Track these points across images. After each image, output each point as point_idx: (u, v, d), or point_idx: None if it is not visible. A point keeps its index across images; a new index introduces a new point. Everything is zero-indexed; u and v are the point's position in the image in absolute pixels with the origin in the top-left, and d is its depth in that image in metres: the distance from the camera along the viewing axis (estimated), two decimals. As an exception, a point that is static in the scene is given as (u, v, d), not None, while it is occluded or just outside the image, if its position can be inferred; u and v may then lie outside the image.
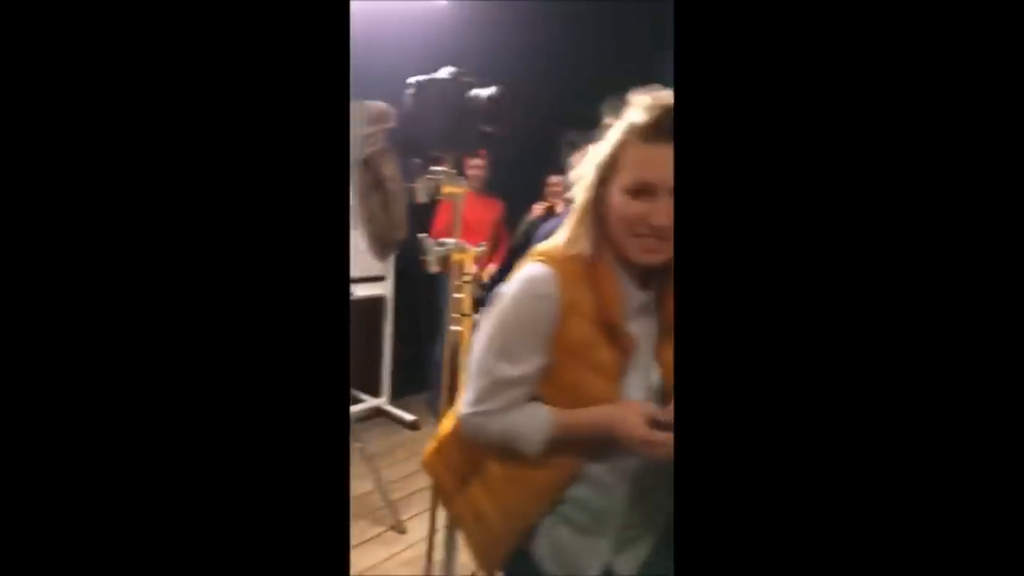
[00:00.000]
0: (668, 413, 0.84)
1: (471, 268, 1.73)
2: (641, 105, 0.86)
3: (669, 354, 0.94)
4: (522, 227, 3.48)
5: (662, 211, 0.83)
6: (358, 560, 2.31)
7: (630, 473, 0.94)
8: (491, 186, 3.61)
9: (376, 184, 2.24)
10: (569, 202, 0.94)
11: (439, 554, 1.72)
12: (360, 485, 2.74)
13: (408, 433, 3.60)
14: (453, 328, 1.74)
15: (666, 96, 0.85)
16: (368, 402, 3.68)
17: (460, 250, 1.72)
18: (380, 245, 2.35)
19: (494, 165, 3.56)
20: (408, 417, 3.68)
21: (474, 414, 0.96)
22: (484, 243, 1.87)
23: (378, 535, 2.53)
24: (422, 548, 2.08)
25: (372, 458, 2.71)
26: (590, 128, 0.90)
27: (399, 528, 2.57)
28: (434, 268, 1.69)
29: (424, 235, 1.72)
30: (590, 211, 0.90)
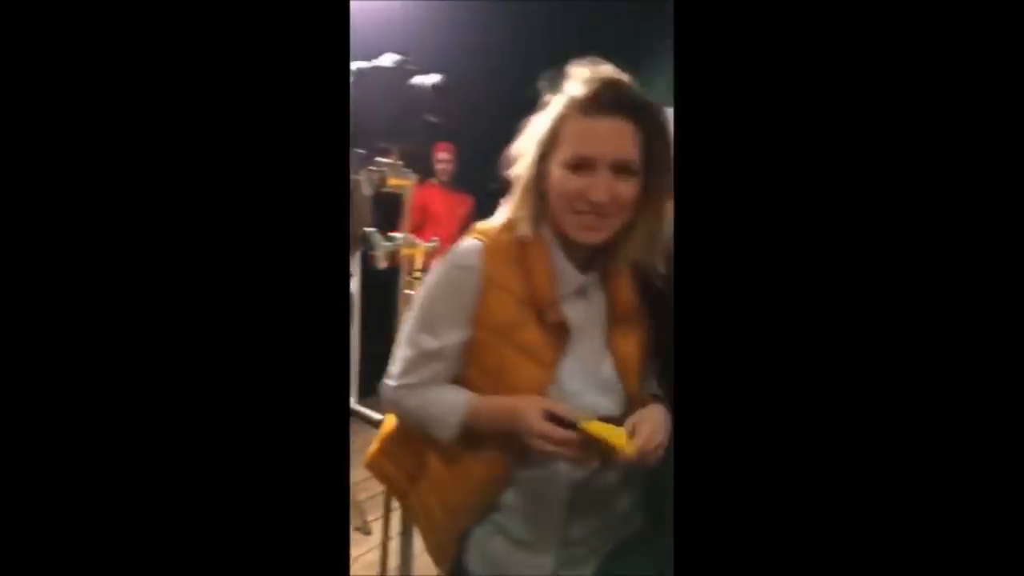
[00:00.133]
0: (568, 411, 0.79)
1: (420, 263, 1.68)
2: (580, 78, 0.82)
3: (625, 344, 0.91)
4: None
5: (601, 186, 0.79)
6: (319, 564, 2.25)
7: (568, 483, 0.88)
8: (462, 181, 3.55)
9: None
10: (510, 180, 0.90)
11: (395, 560, 1.67)
12: (324, 487, 2.67)
13: (376, 433, 3.54)
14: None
15: (606, 69, 0.82)
16: (337, 401, 3.61)
17: (410, 245, 1.67)
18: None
19: (461, 159, 3.50)
20: (376, 416, 3.60)
21: (396, 387, 0.93)
22: (437, 238, 1.82)
23: (341, 538, 2.47)
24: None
25: (335, 459, 2.64)
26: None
27: (364, 529, 2.52)
28: (382, 263, 1.64)
29: (372, 230, 1.66)
30: (530, 188, 0.86)
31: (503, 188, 0.90)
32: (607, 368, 0.90)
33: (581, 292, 0.90)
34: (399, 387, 0.93)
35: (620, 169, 0.81)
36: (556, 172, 0.83)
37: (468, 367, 0.89)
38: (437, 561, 1.01)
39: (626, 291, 0.94)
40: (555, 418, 0.79)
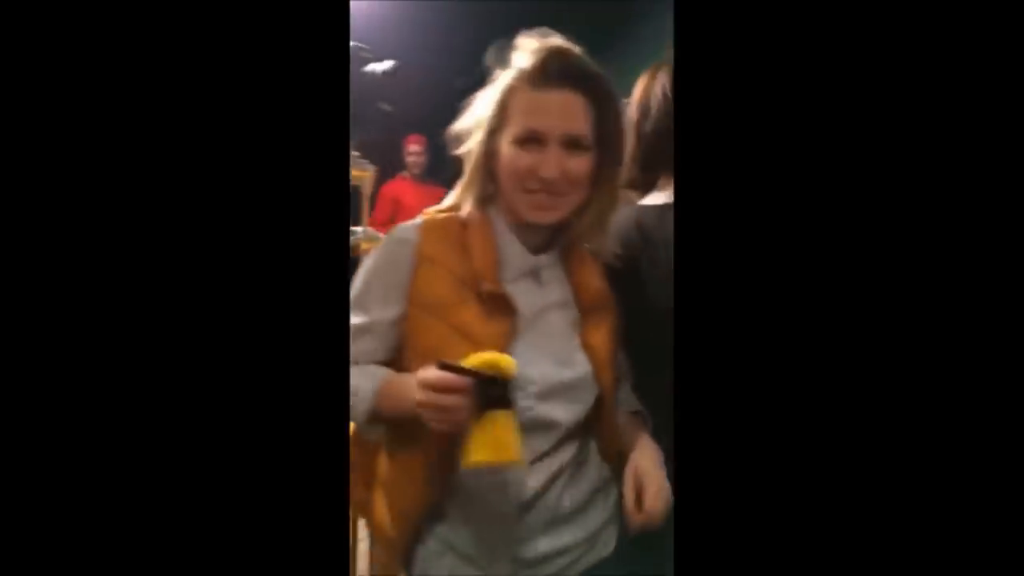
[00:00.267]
0: (435, 374, 0.67)
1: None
2: (528, 48, 0.76)
3: (597, 336, 0.83)
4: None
5: (551, 163, 0.74)
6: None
7: (518, 493, 0.78)
8: (435, 174, 3.49)
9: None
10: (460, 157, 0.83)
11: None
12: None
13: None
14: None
15: (554, 39, 0.76)
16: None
17: (371, 239, 1.61)
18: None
19: (434, 151, 3.44)
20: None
21: None
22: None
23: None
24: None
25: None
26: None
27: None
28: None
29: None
30: (479, 166, 0.80)
31: (455, 169, 0.84)
32: (580, 362, 0.82)
33: (533, 275, 0.82)
34: None
35: (571, 144, 0.75)
36: (505, 149, 0.76)
37: (406, 349, 0.81)
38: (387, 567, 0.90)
39: (591, 277, 0.86)
40: (448, 368, 0.67)
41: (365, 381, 0.79)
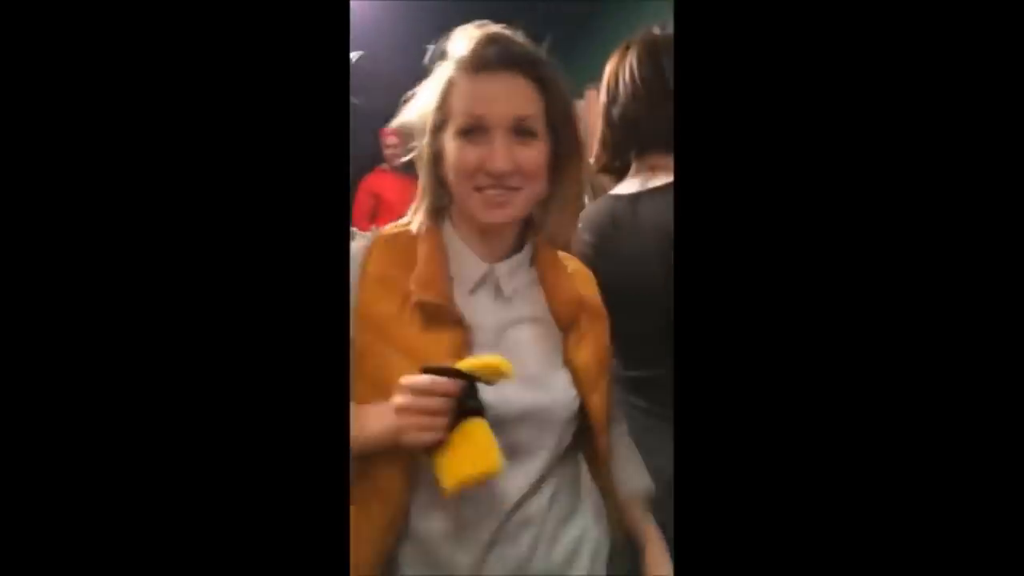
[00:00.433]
0: (420, 376, 0.62)
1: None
2: (463, 37, 0.71)
3: (581, 353, 0.75)
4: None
5: (499, 153, 0.67)
6: None
7: (480, 545, 0.69)
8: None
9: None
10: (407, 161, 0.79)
11: None
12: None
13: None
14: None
15: (492, 26, 0.72)
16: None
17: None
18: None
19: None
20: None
21: None
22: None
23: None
24: None
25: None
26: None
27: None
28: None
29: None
30: (430, 172, 0.73)
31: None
32: (559, 383, 0.73)
33: (493, 286, 0.74)
34: None
35: (520, 131, 0.69)
36: (450, 145, 0.70)
37: (355, 381, 0.72)
38: None
39: (566, 285, 0.77)
40: (433, 371, 0.63)
41: None
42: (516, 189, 0.69)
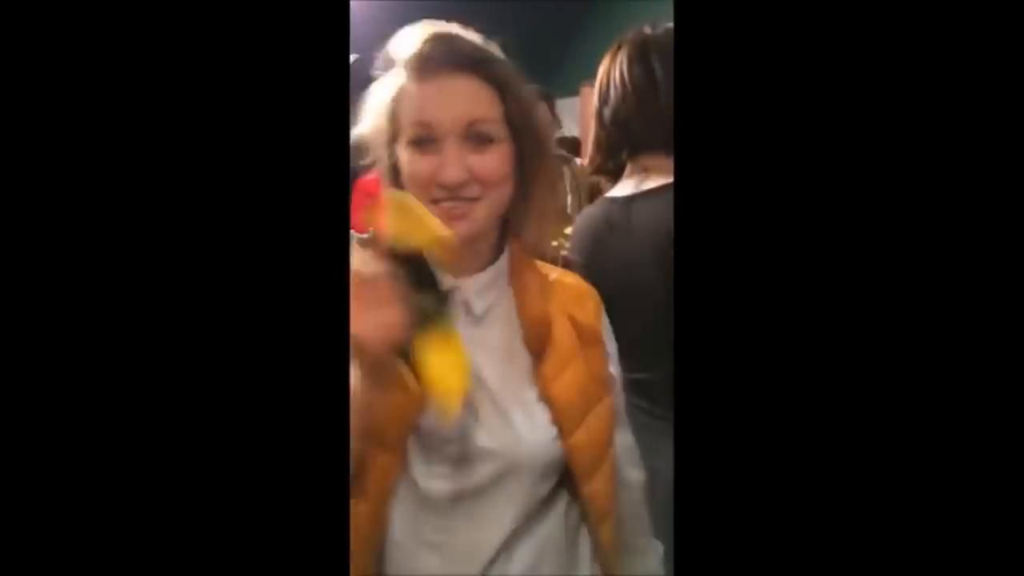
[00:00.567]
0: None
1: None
2: (407, 37, 0.65)
3: (560, 385, 0.66)
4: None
5: (450, 162, 0.61)
6: None
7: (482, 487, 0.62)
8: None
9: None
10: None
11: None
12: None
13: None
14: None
15: (440, 25, 0.66)
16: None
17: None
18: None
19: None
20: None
21: None
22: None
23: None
24: None
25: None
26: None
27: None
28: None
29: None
30: (390, 182, 0.68)
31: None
32: (535, 422, 0.64)
33: (458, 303, 0.66)
34: None
35: (475, 136, 0.63)
36: (403, 156, 0.64)
37: None
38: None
39: (535, 298, 0.68)
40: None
41: None
42: (474, 199, 0.63)
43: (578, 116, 4.18)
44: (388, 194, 0.58)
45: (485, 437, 0.62)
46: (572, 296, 0.71)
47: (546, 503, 0.65)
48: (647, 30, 0.90)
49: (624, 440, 0.75)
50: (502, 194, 0.65)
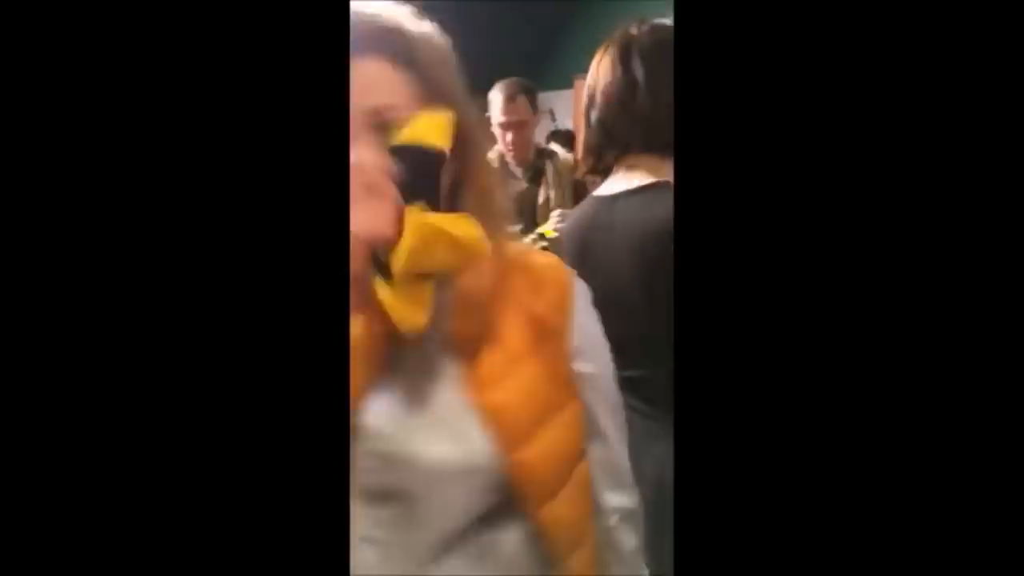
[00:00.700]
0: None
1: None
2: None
3: (503, 389, 0.55)
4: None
5: (359, 156, 0.53)
6: None
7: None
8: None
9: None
10: None
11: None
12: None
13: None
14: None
15: (363, 5, 0.58)
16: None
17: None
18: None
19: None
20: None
21: None
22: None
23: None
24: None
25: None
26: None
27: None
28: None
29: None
30: None
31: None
32: (469, 434, 0.54)
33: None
34: None
35: (382, 126, 0.55)
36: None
37: None
38: None
39: (472, 281, 0.56)
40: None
41: None
42: (385, 196, 0.55)
43: (571, 109, 4.17)
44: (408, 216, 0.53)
45: (413, 439, 0.54)
46: (531, 282, 0.58)
47: (493, 517, 0.56)
48: (632, 30, 0.90)
49: (603, 456, 0.61)
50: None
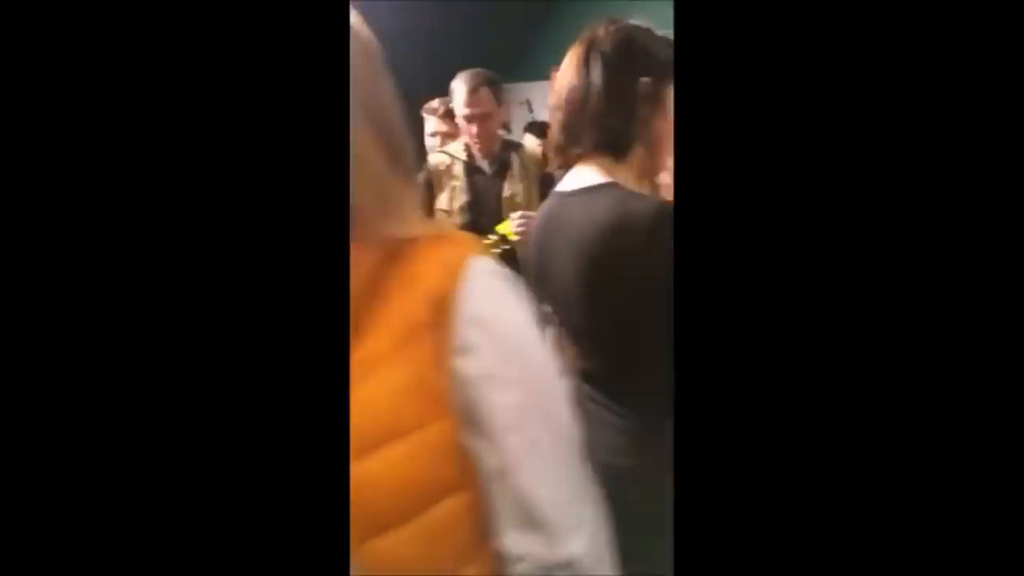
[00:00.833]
0: None
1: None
2: None
3: (367, 387, 0.49)
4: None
5: None
6: None
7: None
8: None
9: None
10: None
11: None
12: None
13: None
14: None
15: None
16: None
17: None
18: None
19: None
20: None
21: None
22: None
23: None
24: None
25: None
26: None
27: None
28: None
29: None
30: None
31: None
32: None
33: None
34: None
35: None
36: None
37: None
38: None
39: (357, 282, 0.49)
40: None
41: None
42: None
43: (548, 100, 4.19)
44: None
45: None
46: (413, 271, 0.50)
47: None
48: (599, 31, 0.91)
49: (501, 485, 0.49)
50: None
